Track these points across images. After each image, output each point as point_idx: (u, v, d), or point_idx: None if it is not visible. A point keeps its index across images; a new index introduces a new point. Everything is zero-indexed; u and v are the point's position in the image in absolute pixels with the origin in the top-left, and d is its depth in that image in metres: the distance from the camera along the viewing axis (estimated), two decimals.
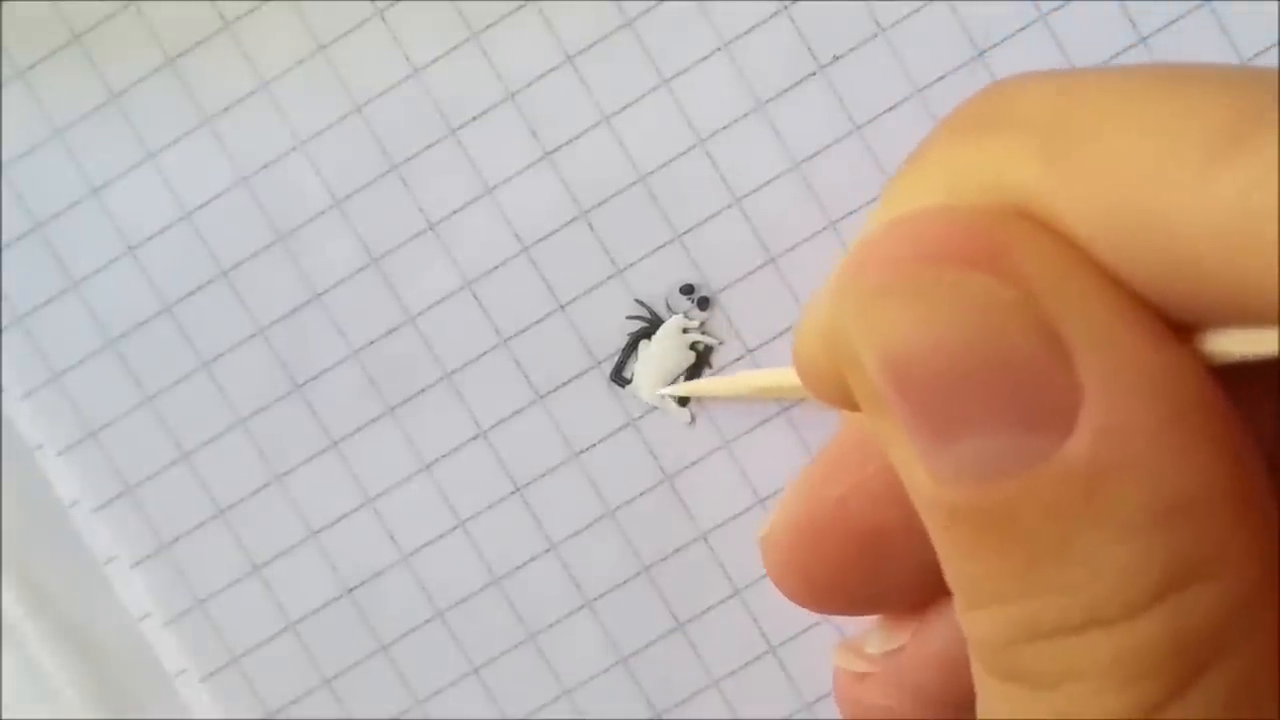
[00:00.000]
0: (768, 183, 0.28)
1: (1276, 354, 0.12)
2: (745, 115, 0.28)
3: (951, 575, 0.14)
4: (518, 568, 0.29)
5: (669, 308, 0.29)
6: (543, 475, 0.29)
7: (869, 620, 0.23)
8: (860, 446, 0.19)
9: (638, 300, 0.29)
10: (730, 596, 0.29)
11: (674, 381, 0.29)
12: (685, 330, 0.29)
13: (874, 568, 0.19)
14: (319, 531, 0.29)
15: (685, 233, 0.28)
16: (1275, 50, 0.28)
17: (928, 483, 0.14)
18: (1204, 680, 0.13)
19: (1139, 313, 0.12)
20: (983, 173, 0.13)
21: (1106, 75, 0.13)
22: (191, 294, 0.29)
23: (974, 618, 0.14)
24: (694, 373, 0.29)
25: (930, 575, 0.19)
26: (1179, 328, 0.13)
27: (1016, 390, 0.13)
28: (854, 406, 0.15)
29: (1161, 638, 0.13)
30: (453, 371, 0.29)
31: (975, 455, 0.13)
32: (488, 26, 0.28)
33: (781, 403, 0.29)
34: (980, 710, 0.14)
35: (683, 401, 0.29)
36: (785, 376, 0.22)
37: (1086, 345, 0.12)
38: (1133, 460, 0.12)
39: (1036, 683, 0.13)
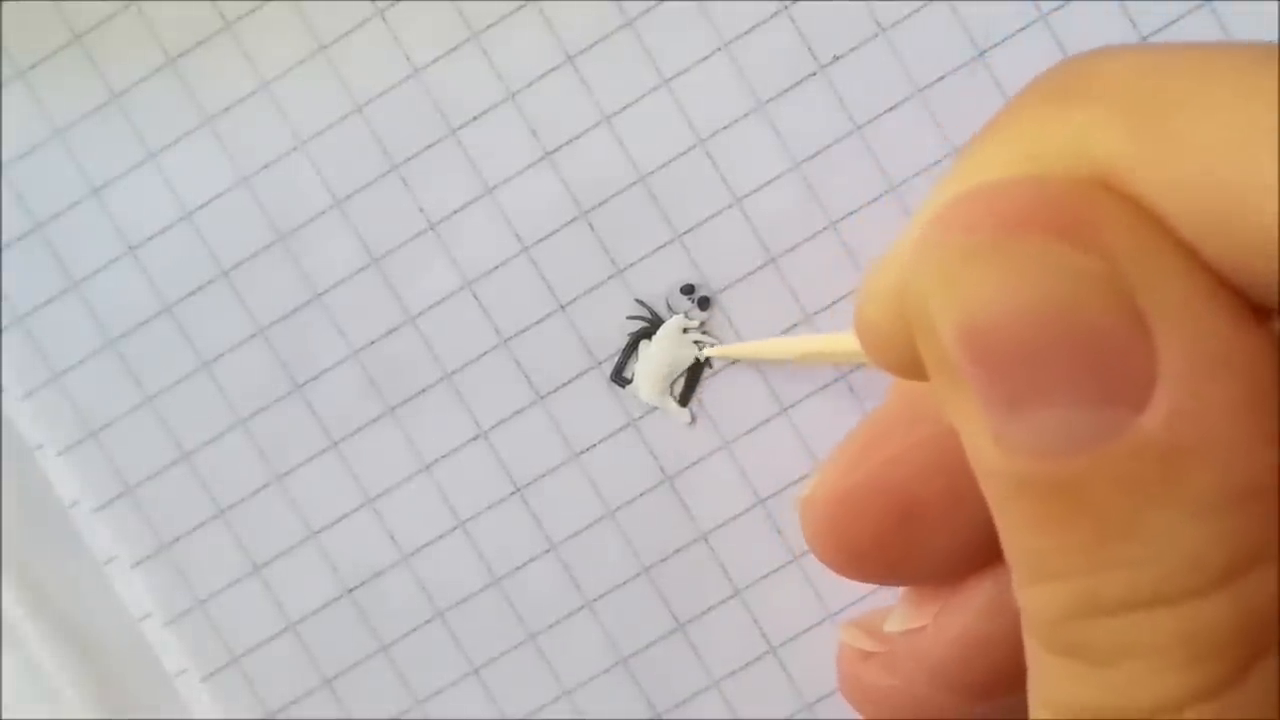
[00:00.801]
0: (768, 183, 0.28)
1: None
2: (745, 115, 0.28)
3: (1012, 549, 0.14)
4: (518, 568, 0.29)
5: (669, 308, 0.29)
6: (543, 475, 0.29)
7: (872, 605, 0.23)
8: (906, 416, 0.19)
9: (638, 300, 0.29)
10: (730, 597, 0.29)
11: (675, 382, 0.29)
12: (685, 330, 0.29)
13: (912, 537, 0.19)
14: (319, 531, 0.29)
15: (685, 233, 0.29)
16: None
17: (996, 453, 0.13)
18: (1263, 664, 0.13)
19: (1220, 292, 0.12)
20: (1065, 143, 0.13)
21: (1194, 50, 0.13)
22: (192, 294, 0.29)
23: (1034, 593, 0.14)
24: (695, 374, 0.29)
25: (967, 549, 0.19)
26: (1260, 309, 0.13)
27: (1094, 363, 0.13)
28: (915, 374, 0.15)
29: (1226, 620, 0.12)
30: (453, 371, 0.29)
31: (1048, 426, 0.13)
32: (488, 26, 0.28)
33: (782, 403, 0.29)
34: (1033, 687, 0.14)
35: (684, 401, 0.29)
36: (841, 341, 0.21)
37: (1167, 321, 0.12)
38: (1208, 440, 0.12)
39: (1096, 659, 0.13)
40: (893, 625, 0.21)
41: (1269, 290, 0.12)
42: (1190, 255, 0.12)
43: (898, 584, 0.22)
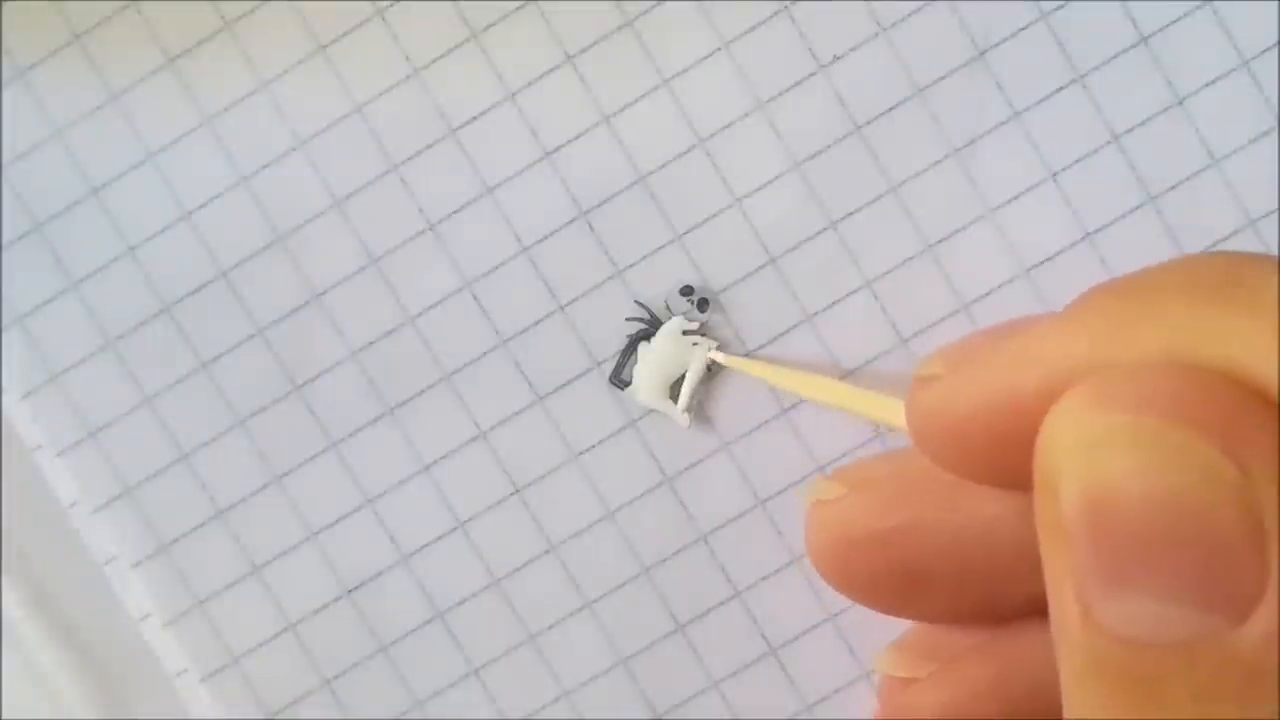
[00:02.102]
0: (768, 183, 0.28)
1: None
2: (745, 115, 0.28)
3: (1073, 707, 0.14)
4: (517, 569, 0.29)
5: (669, 308, 0.29)
6: (542, 476, 0.29)
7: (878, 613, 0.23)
8: (939, 490, 0.19)
9: (637, 301, 0.29)
10: (730, 598, 0.29)
11: (675, 382, 0.29)
12: (685, 331, 0.29)
13: (913, 597, 0.19)
14: (319, 532, 0.29)
15: (685, 233, 0.28)
16: (1275, 50, 0.28)
17: (1081, 624, 0.14)
18: None
19: None
20: (1217, 345, 0.13)
21: None
22: (191, 294, 0.29)
23: None
24: (698, 377, 0.29)
25: (967, 614, 0.19)
26: None
27: (1207, 565, 0.13)
28: (973, 476, 0.15)
29: None
30: (453, 372, 0.29)
31: (1144, 614, 0.13)
32: (488, 26, 0.28)
33: (782, 403, 0.29)
34: None
35: (683, 403, 0.29)
36: (878, 407, 0.21)
37: None
38: None
39: None
40: (884, 665, 0.21)
41: None
42: None
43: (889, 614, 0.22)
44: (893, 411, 0.20)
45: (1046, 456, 0.14)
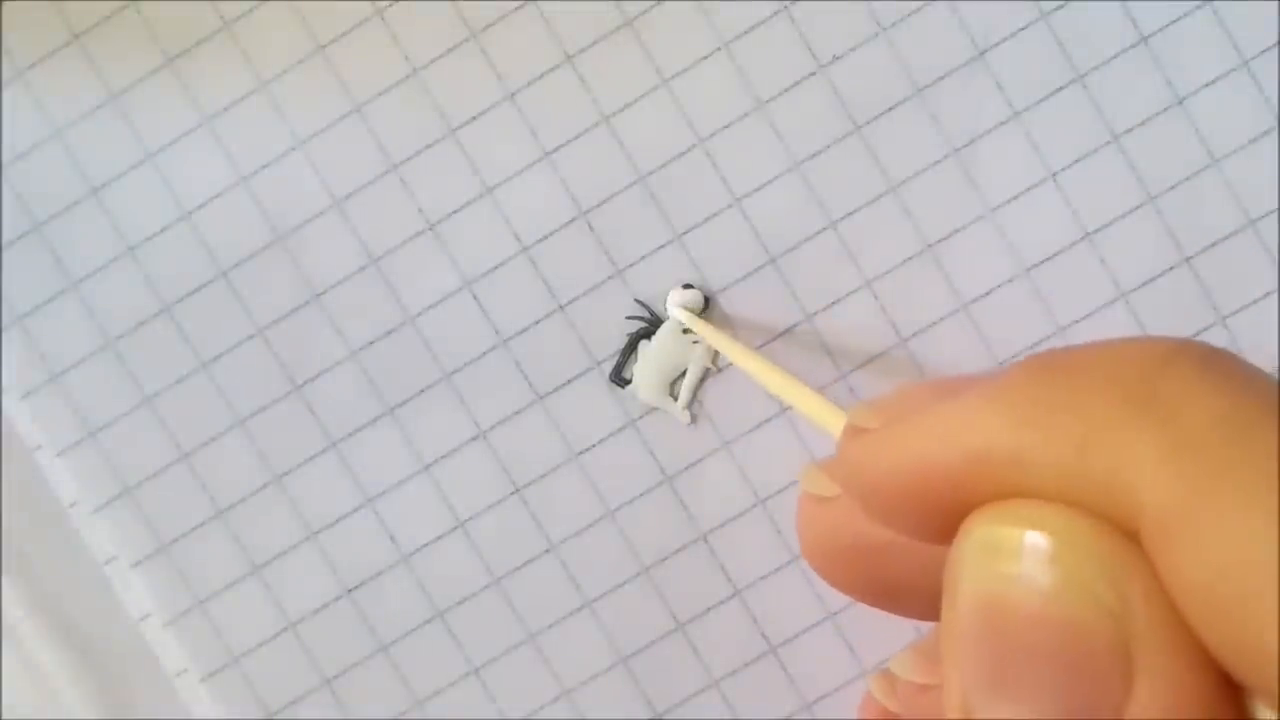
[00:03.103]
0: (768, 183, 0.28)
1: None
2: (745, 115, 0.28)
3: None
4: (518, 568, 0.29)
5: (668, 308, 0.29)
6: (543, 476, 0.29)
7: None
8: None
9: (638, 300, 0.29)
10: (730, 597, 0.29)
11: (675, 381, 0.29)
12: (685, 331, 0.29)
13: (901, 602, 0.20)
14: (319, 532, 0.29)
15: (685, 233, 0.28)
16: (1275, 50, 0.28)
17: (961, 718, 0.15)
18: None
19: (1206, 668, 0.14)
20: (1115, 458, 0.14)
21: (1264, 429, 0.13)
22: (191, 294, 0.29)
23: None
24: (697, 374, 0.29)
25: None
26: (1234, 682, 0.14)
27: (1075, 679, 0.14)
28: (897, 529, 0.16)
29: None
30: (453, 371, 0.29)
31: (1015, 718, 0.14)
32: (488, 26, 0.28)
33: (781, 403, 0.29)
34: None
35: (684, 401, 0.29)
36: (830, 419, 0.21)
37: (1148, 675, 0.14)
38: None
39: None
40: (899, 669, 0.22)
41: (1251, 684, 0.13)
42: (1185, 625, 0.13)
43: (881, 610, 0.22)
44: (836, 425, 0.20)
45: (954, 560, 0.15)
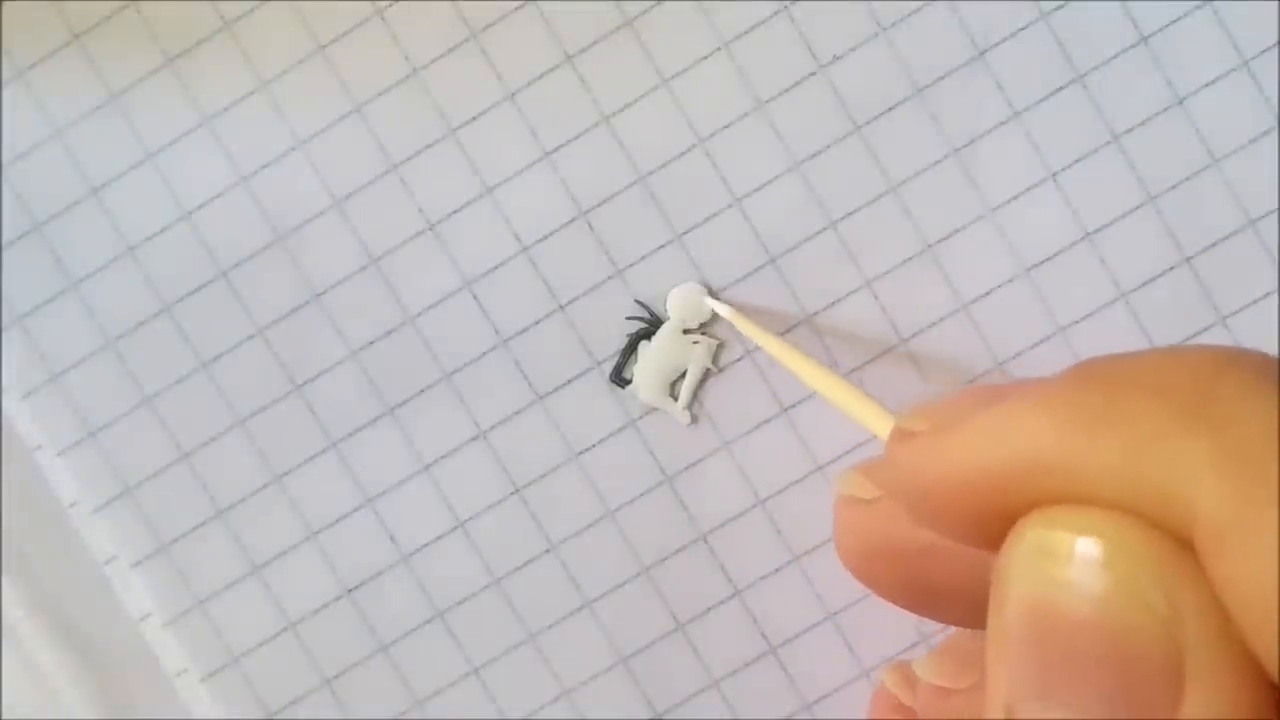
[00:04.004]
0: (768, 183, 0.28)
1: None
2: (745, 115, 0.28)
3: None
4: (518, 568, 0.29)
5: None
6: (543, 476, 0.29)
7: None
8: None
9: (638, 300, 0.29)
10: (730, 597, 0.29)
11: (675, 381, 0.29)
12: (685, 330, 0.29)
13: (936, 607, 0.20)
14: (319, 532, 0.29)
15: (685, 233, 0.28)
16: (1275, 50, 0.28)
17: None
18: None
19: (1257, 678, 0.14)
20: (1167, 468, 0.14)
21: None
22: (191, 294, 0.29)
23: None
24: (698, 375, 0.29)
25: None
26: None
27: (1124, 685, 0.14)
28: (947, 534, 0.16)
29: None
30: (453, 371, 0.29)
31: None
32: (487, 26, 0.28)
33: (782, 403, 0.29)
34: None
35: (684, 401, 0.29)
36: (867, 413, 0.21)
37: (1199, 682, 0.14)
38: None
39: None
40: (923, 671, 0.22)
41: None
42: (1238, 637, 0.14)
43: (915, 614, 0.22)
44: (881, 425, 0.20)
45: (1002, 564, 0.15)
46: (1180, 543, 0.14)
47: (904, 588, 0.20)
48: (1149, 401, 0.14)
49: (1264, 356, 0.15)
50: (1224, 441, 0.13)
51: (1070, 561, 0.14)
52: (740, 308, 0.28)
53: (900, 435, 0.17)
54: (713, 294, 0.28)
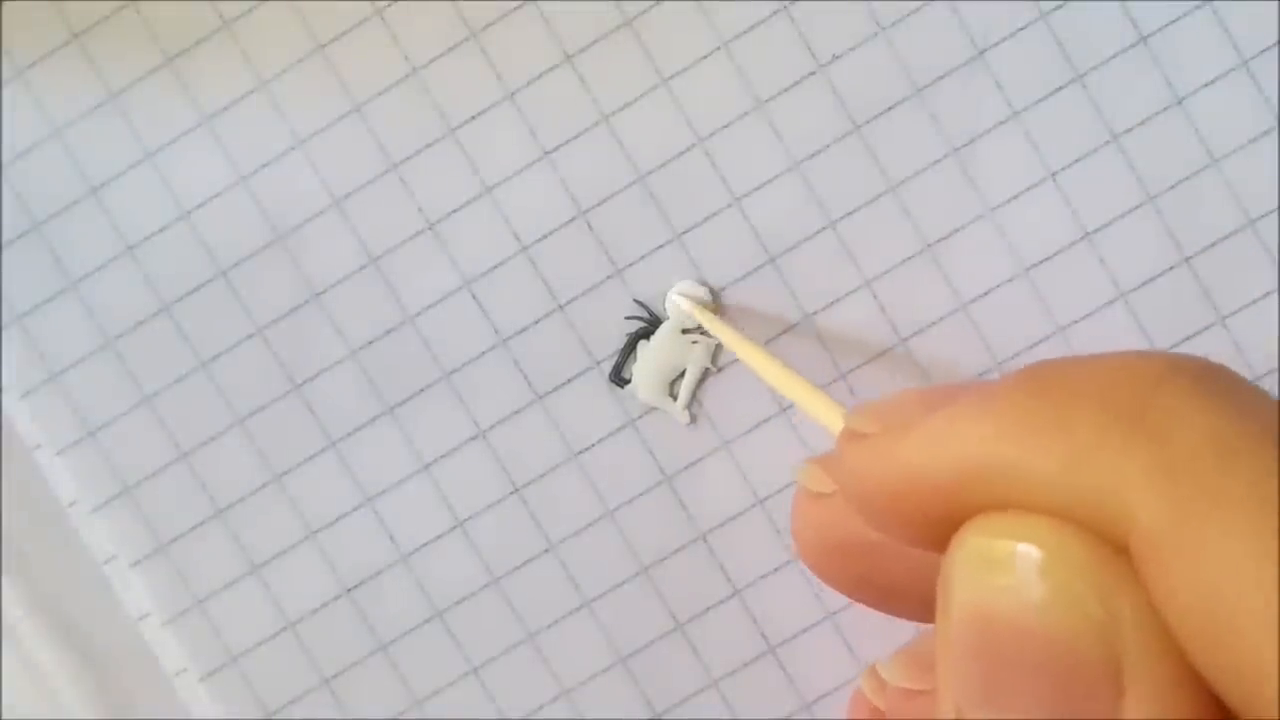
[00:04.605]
0: (767, 183, 0.28)
1: None
2: (745, 115, 0.28)
3: None
4: (517, 568, 0.29)
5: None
6: (542, 475, 0.29)
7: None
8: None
9: (637, 300, 0.29)
10: (730, 597, 0.29)
11: (674, 380, 0.29)
12: (685, 330, 0.29)
13: (894, 602, 0.20)
14: (318, 531, 0.29)
15: (685, 233, 0.28)
16: (1275, 50, 0.28)
17: None
18: None
19: (1194, 683, 0.14)
20: (1106, 475, 0.14)
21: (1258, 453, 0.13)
22: (190, 294, 0.29)
23: None
24: (696, 375, 0.29)
25: None
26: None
27: (1065, 691, 0.14)
28: (893, 535, 0.16)
29: None
30: (452, 371, 0.29)
31: None
32: (487, 26, 0.28)
33: (782, 403, 0.29)
34: None
35: (683, 401, 0.29)
36: (828, 415, 0.22)
37: (1139, 686, 0.14)
38: None
39: None
40: (888, 674, 0.22)
41: (1242, 709, 0.13)
42: (1175, 646, 0.14)
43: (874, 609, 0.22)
44: (837, 422, 0.20)
45: (947, 570, 0.15)
46: (1118, 549, 0.14)
47: (857, 583, 0.20)
48: (1090, 410, 0.14)
49: (1206, 364, 0.15)
50: (1160, 452, 0.14)
51: (1010, 569, 0.14)
52: (703, 303, 0.28)
53: (849, 436, 0.17)
54: (714, 291, 0.28)
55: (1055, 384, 0.15)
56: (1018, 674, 0.14)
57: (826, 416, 0.21)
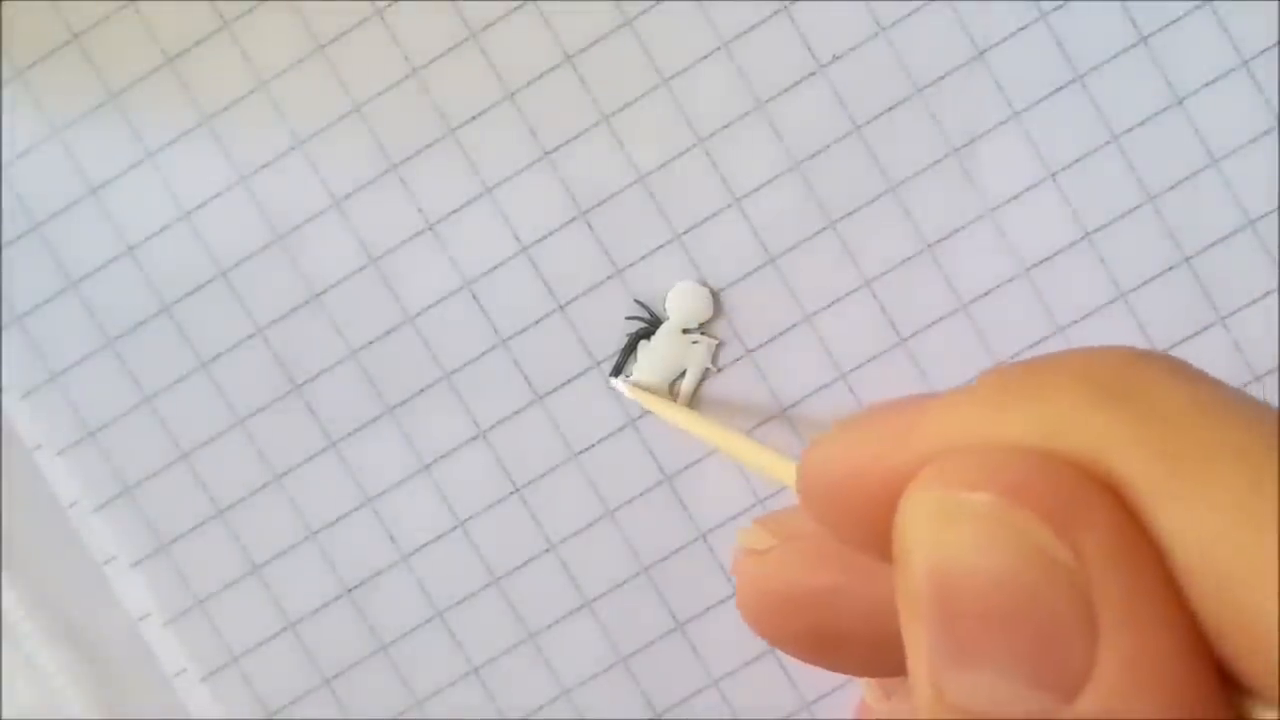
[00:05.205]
0: (768, 183, 0.28)
1: None
2: (745, 115, 0.28)
3: None
4: (517, 568, 0.29)
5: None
6: (542, 475, 0.29)
7: None
8: (836, 557, 0.19)
9: (637, 300, 0.29)
10: (730, 596, 0.29)
11: (674, 383, 0.29)
12: (685, 330, 0.29)
13: (832, 656, 0.20)
14: (318, 532, 0.29)
15: (685, 233, 0.28)
16: (1275, 50, 0.28)
17: (930, 696, 0.14)
18: None
19: (1179, 621, 0.13)
20: (1089, 440, 0.13)
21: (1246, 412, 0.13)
22: (190, 294, 0.29)
23: None
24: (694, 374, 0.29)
25: (884, 672, 0.19)
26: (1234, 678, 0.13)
27: (1038, 645, 0.13)
28: (851, 542, 0.16)
29: None
30: (452, 371, 0.29)
31: (982, 689, 0.14)
32: (487, 26, 0.28)
33: (781, 403, 0.29)
34: None
35: (683, 397, 0.29)
36: (773, 466, 0.21)
37: (1115, 630, 0.13)
38: None
39: None
40: (872, 697, 0.22)
41: (1237, 658, 0.13)
42: (1171, 587, 0.13)
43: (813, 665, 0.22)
44: (785, 471, 0.20)
45: (901, 532, 0.15)
46: (1089, 479, 0.13)
47: (804, 637, 0.20)
48: (1068, 381, 0.14)
49: (1173, 357, 0.14)
50: (1144, 414, 0.13)
51: (966, 519, 0.14)
52: (641, 386, 0.28)
53: (812, 443, 0.17)
54: (714, 292, 0.28)
55: (1027, 370, 0.15)
56: (988, 631, 0.14)
57: (778, 469, 0.21)
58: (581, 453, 0.29)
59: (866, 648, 0.18)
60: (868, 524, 0.16)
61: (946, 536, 0.14)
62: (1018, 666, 0.13)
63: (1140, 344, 0.28)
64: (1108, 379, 0.14)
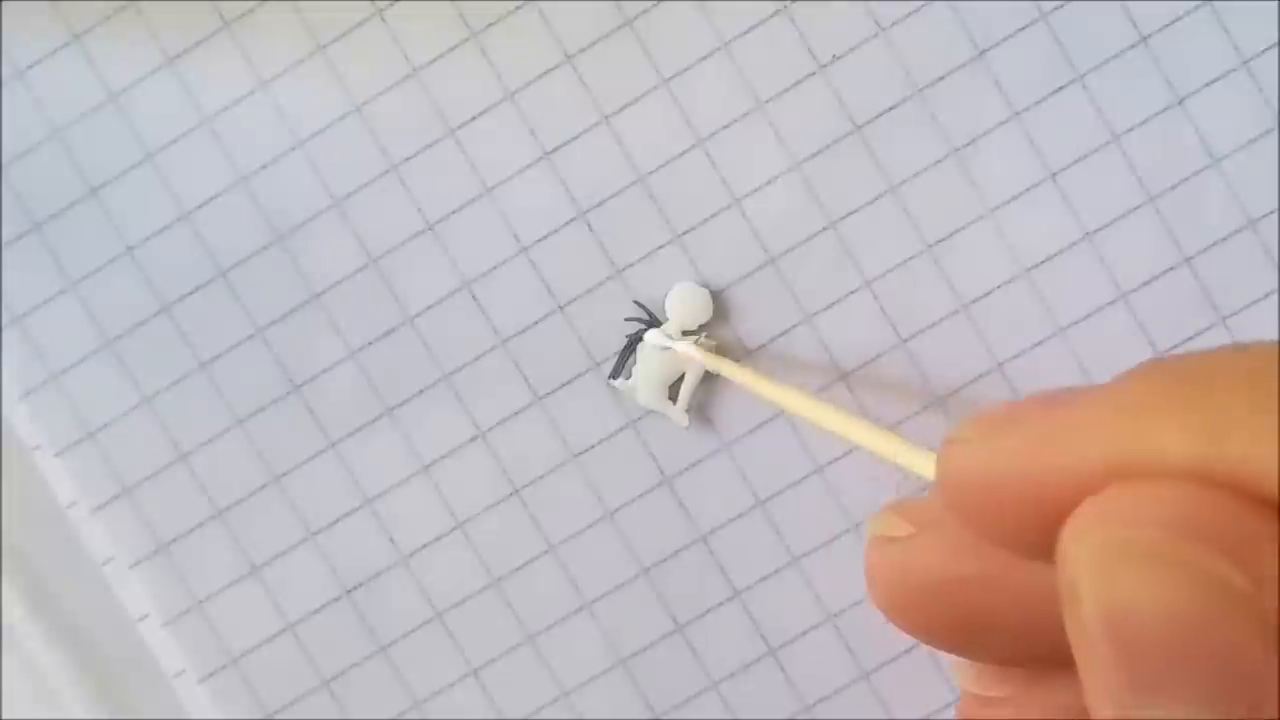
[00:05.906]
0: (768, 183, 0.28)
1: None
2: (745, 115, 0.28)
3: None
4: (517, 569, 0.29)
5: (666, 309, 0.29)
6: (542, 476, 0.29)
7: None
8: (982, 552, 0.19)
9: (637, 301, 0.29)
10: (730, 599, 0.29)
11: (674, 383, 0.29)
12: (685, 332, 0.29)
13: (974, 644, 0.19)
14: (317, 532, 0.29)
15: (685, 233, 0.28)
16: (1275, 50, 0.28)
17: None
18: None
19: None
20: (1254, 451, 0.13)
21: None
22: (190, 294, 0.29)
23: None
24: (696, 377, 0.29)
25: (1031, 660, 0.19)
26: None
27: (1224, 675, 0.13)
28: (1001, 543, 0.16)
29: None
30: (452, 372, 0.29)
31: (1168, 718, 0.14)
32: (487, 26, 0.28)
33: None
34: None
35: (682, 403, 0.29)
36: (904, 454, 0.21)
37: None
38: None
39: None
40: (965, 682, 0.21)
41: None
42: None
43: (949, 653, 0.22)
44: (920, 462, 0.19)
45: (1067, 570, 0.14)
46: (1255, 502, 0.13)
47: (946, 626, 0.19)
48: (1227, 384, 0.14)
49: None
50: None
51: (1138, 559, 0.13)
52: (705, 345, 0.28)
53: (950, 444, 0.17)
54: (714, 292, 0.28)
55: (1178, 367, 0.14)
56: (1170, 665, 0.13)
57: (913, 459, 0.20)
58: (581, 454, 0.29)
59: (1013, 636, 0.18)
60: (1015, 528, 0.15)
61: (1117, 576, 0.14)
62: (1203, 697, 0.13)
63: (1140, 344, 0.28)
64: (1266, 375, 0.14)
